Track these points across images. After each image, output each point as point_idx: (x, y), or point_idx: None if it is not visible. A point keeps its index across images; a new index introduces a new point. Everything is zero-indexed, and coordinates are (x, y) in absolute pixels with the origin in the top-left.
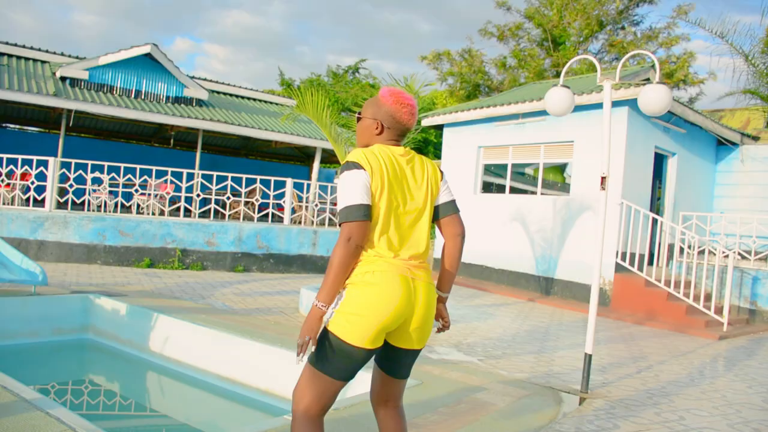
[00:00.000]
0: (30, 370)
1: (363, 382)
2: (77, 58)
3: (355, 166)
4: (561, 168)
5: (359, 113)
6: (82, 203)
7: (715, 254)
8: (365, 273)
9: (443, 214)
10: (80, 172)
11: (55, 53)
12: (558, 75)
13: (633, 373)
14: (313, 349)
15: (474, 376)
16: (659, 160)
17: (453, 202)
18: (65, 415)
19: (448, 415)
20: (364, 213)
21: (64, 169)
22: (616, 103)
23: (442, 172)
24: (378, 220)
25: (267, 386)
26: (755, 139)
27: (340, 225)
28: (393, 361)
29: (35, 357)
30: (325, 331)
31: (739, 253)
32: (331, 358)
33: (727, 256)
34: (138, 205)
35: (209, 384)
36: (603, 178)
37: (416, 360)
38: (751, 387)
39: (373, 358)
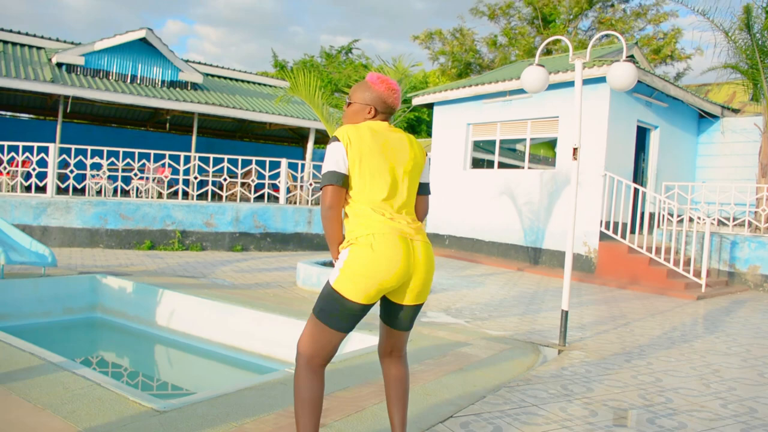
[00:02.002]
0: (45, 347)
1: (359, 340)
2: (72, 43)
3: (334, 139)
4: (552, 143)
5: (348, 98)
6: (83, 188)
7: (695, 221)
8: (367, 235)
9: (419, 192)
10: (80, 157)
11: (50, 39)
12: (549, 52)
13: (610, 330)
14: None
15: (460, 334)
16: (642, 133)
17: (428, 185)
18: (90, 374)
19: (434, 365)
20: (336, 179)
21: (64, 155)
22: (598, 80)
23: (426, 154)
24: (368, 182)
25: (268, 351)
26: (735, 111)
27: (320, 190)
28: (394, 316)
29: (49, 336)
30: (329, 287)
31: (719, 220)
32: (333, 312)
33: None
34: (137, 189)
35: (214, 353)
36: (575, 150)
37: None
38: (718, 338)
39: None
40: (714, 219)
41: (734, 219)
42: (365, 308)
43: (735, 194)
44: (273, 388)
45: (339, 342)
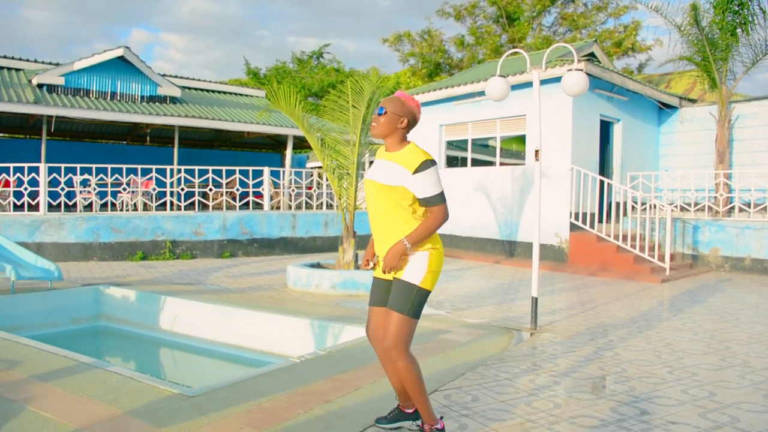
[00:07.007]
0: None
1: (350, 332)
2: (51, 64)
3: (434, 163)
4: (523, 138)
5: (383, 109)
6: (74, 205)
7: (658, 209)
8: (436, 241)
9: None
10: (70, 175)
11: (28, 60)
12: (515, 53)
13: (578, 314)
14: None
15: (441, 323)
16: (606, 127)
17: None
18: (122, 370)
19: (418, 350)
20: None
21: (54, 174)
22: (560, 79)
23: None
24: None
25: (269, 348)
26: (692, 101)
27: (437, 205)
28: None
29: (59, 345)
30: (418, 289)
31: (681, 206)
32: (420, 307)
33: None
34: (125, 203)
35: (218, 352)
36: (536, 152)
37: None
38: (675, 316)
39: (376, 301)
40: (677, 205)
41: (695, 204)
42: None
43: (695, 181)
44: (282, 374)
45: None
